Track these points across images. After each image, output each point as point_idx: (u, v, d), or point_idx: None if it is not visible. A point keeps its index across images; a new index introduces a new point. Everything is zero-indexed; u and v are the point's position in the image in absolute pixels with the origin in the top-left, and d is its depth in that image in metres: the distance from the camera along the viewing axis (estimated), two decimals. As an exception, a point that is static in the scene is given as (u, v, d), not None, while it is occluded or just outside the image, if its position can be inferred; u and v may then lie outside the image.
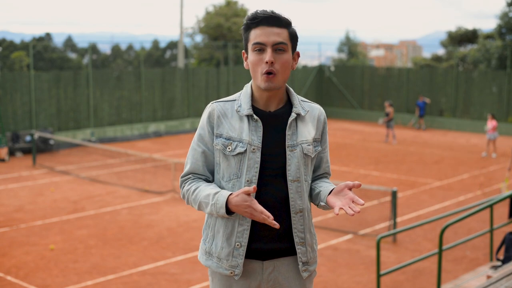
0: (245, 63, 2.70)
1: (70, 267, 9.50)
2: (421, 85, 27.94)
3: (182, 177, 2.75)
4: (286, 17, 2.62)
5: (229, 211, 2.54)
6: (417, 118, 26.19)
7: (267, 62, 2.56)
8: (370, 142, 22.59)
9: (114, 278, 9.09)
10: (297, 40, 2.68)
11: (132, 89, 23.73)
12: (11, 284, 8.81)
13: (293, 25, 2.65)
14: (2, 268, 9.41)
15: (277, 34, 2.57)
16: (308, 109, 2.71)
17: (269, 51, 2.57)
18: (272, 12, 2.59)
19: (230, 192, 2.54)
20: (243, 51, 2.71)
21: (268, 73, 2.57)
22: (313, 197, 2.77)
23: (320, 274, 9.20)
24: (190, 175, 2.73)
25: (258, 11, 2.60)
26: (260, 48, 2.58)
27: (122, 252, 10.23)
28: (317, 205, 2.76)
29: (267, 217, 2.44)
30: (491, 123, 19.78)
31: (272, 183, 2.63)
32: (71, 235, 11.16)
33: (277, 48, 2.58)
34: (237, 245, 2.63)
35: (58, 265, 9.59)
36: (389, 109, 22.35)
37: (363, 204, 2.45)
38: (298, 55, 2.72)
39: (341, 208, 2.49)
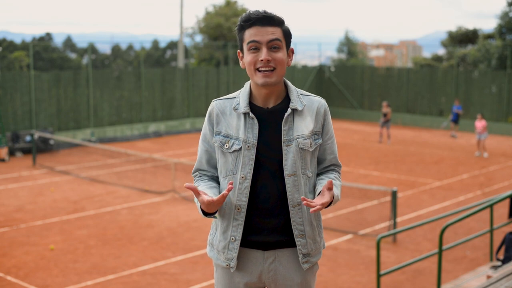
0: (241, 63, 2.76)
1: (70, 267, 9.50)
2: (421, 85, 27.95)
3: (192, 173, 2.91)
4: (278, 16, 2.68)
5: (211, 214, 2.67)
6: (449, 122, 24.88)
7: (262, 60, 2.62)
8: (370, 142, 22.59)
9: (114, 278, 9.09)
10: (291, 37, 2.75)
11: (132, 89, 23.73)
12: (11, 284, 8.81)
13: (285, 23, 2.72)
14: (2, 268, 9.41)
15: (271, 33, 2.64)
16: (306, 103, 2.75)
17: (264, 50, 2.63)
18: (265, 12, 2.66)
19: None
20: (238, 50, 2.77)
21: (265, 70, 2.63)
22: (314, 193, 2.80)
23: (320, 274, 9.19)
24: (196, 173, 2.87)
25: (251, 12, 2.67)
26: (256, 47, 2.64)
27: (122, 252, 10.23)
28: None
29: (221, 196, 2.52)
30: (480, 123, 19.74)
31: (270, 179, 2.69)
32: (71, 235, 11.16)
33: (272, 46, 2.64)
34: (232, 238, 2.71)
35: (58, 265, 9.59)
36: (387, 109, 22.34)
37: (316, 206, 2.52)
38: (293, 52, 2.77)
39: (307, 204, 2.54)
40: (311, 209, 2.51)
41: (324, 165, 2.84)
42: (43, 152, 19.15)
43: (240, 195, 2.68)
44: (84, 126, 22.13)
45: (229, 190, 2.53)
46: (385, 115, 22.33)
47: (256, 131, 2.67)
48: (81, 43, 43.71)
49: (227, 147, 2.70)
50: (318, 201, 2.55)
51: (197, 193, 2.54)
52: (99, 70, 24.64)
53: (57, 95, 21.39)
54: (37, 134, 18.57)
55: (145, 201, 13.65)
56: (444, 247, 7.78)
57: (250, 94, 2.74)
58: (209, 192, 2.65)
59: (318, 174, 2.84)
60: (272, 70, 2.64)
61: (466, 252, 10.39)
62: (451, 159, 19.36)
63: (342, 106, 30.28)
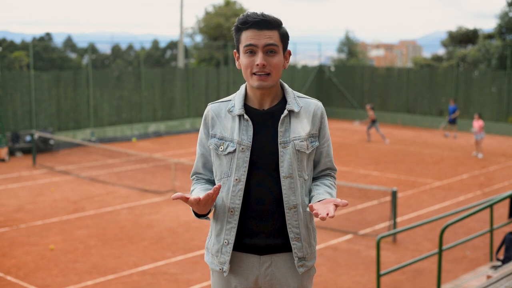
0: (237, 63, 2.75)
1: (70, 267, 9.50)
2: (421, 85, 27.94)
3: (190, 176, 2.92)
4: (276, 18, 2.66)
5: (203, 215, 2.67)
6: (446, 123, 24.75)
7: (258, 65, 2.61)
8: (370, 142, 22.59)
9: (114, 278, 9.09)
10: (288, 39, 2.72)
11: (132, 89, 23.73)
12: (11, 284, 8.81)
13: (283, 25, 2.69)
14: (2, 268, 9.41)
15: (268, 37, 2.62)
16: (303, 105, 2.73)
17: (260, 54, 2.61)
18: (262, 15, 2.63)
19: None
20: (235, 50, 2.75)
21: (260, 74, 2.62)
22: (310, 198, 2.77)
23: (320, 274, 9.20)
24: (194, 176, 2.88)
25: (249, 14, 2.64)
26: (252, 50, 2.62)
27: (122, 252, 10.23)
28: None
29: (206, 195, 2.50)
30: (477, 123, 19.73)
31: (265, 181, 2.67)
32: (71, 235, 11.16)
33: (268, 50, 2.62)
34: (225, 242, 2.70)
35: (58, 265, 9.59)
36: (370, 112, 22.42)
37: (346, 204, 2.46)
38: (290, 54, 2.75)
39: (315, 213, 2.46)
40: (324, 216, 2.43)
41: (319, 168, 2.82)
42: (43, 152, 19.15)
43: (233, 198, 2.66)
44: (84, 126, 22.14)
45: (214, 190, 2.50)
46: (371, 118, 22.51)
47: (250, 132, 2.65)
48: (81, 43, 43.71)
49: (221, 149, 2.68)
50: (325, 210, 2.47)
51: (184, 199, 2.51)
52: (99, 70, 24.64)
53: (57, 95, 21.39)
54: (37, 134, 18.57)
55: (145, 201, 13.65)
56: (444, 247, 7.78)
57: (246, 96, 2.73)
58: (203, 195, 2.59)
59: (314, 179, 2.81)
60: (267, 75, 2.62)
61: (466, 252, 10.39)
62: (451, 159, 19.36)
63: (342, 106, 30.28)
